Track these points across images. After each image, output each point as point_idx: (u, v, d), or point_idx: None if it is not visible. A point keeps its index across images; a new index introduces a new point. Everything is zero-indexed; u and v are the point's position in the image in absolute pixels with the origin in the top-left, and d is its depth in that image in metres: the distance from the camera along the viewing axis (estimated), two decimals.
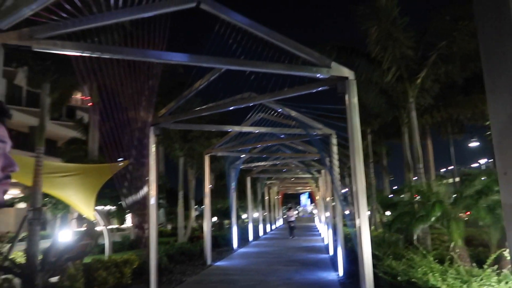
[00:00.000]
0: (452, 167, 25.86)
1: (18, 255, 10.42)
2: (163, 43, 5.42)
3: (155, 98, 6.92)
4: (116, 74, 5.60)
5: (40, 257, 7.45)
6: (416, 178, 10.83)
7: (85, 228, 14.97)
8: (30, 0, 3.34)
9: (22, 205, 30.18)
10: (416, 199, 8.31)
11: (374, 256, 6.65)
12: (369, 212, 20.76)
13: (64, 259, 7.28)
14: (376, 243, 9.65)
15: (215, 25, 5.29)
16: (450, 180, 24.25)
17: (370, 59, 10.62)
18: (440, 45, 9.94)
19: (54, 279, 7.34)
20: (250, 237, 20.92)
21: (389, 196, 20.49)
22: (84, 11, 4.06)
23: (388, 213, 15.77)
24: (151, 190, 7.76)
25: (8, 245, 9.07)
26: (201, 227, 20.74)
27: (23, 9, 3.38)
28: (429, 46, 10.40)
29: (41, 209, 7.58)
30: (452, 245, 6.59)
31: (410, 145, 11.99)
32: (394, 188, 29.44)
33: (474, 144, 26.25)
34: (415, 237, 7.72)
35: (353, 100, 5.53)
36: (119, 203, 18.61)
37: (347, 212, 9.07)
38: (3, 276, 6.91)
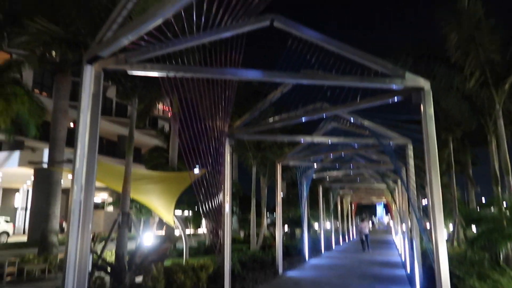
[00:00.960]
0: None
1: (108, 254, 11.49)
2: (239, 60, 5.75)
3: (231, 109, 7.26)
4: (196, 87, 6.03)
5: (127, 258, 8.17)
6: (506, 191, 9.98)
7: (165, 232, 15.98)
8: (128, 32, 3.83)
9: (109, 208, 33.01)
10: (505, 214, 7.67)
11: (454, 275, 6.29)
12: (452, 227, 19.42)
13: (148, 261, 7.91)
14: (458, 261, 9.05)
15: (287, 41, 5.49)
16: None
17: (450, 64, 10.06)
18: None
19: (138, 279, 7.99)
20: (322, 248, 20.66)
21: (476, 209, 18.96)
22: (170, 35, 4.50)
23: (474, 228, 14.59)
24: (225, 197, 8.11)
25: (101, 244, 10.06)
26: (272, 235, 20.98)
27: (122, 39, 3.89)
28: None
29: (130, 213, 8.31)
30: None
31: (498, 155, 11.08)
32: (482, 200, 27.08)
33: None
34: (502, 256, 7.13)
35: (429, 111, 5.34)
36: (195, 209, 19.55)
37: (428, 226, 8.62)
38: (96, 274, 7.69)
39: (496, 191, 10.68)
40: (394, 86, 5.55)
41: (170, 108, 21.57)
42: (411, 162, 9.16)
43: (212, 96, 6.64)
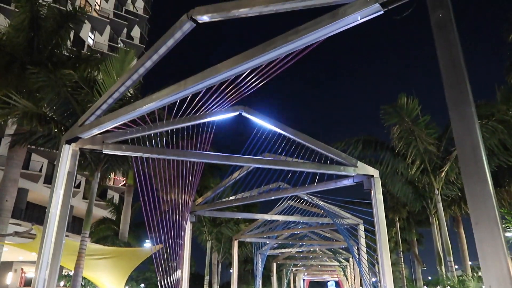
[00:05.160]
0: None
1: None
2: (209, 141, 6.15)
3: (197, 185, 7.45)
4: (164, 164, 6.25)
5: None
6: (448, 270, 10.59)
7: None
8: (111, 119, 4.12)
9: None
10: None
11: None
12: None
13: None
14: None
15: (254, 128, 6.03)
16: None
17: (395, 152, 11.14)
18: None
19: None
20: None
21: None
22: (147, 120, 4.86)
23: None
24: (183, 274, 7.97)
25: None
26: None
27: (105, 125, 4.17)
28: (452, 140, 10.85)
29: None
30: None
31: (439, 235, 11.89)
32: (428, 278, 27.76)
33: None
34: None
35: (378, 196, 5.92)
36: (141, 285, 18.55)
37: None
38: None
39: (440, 271, 11.30)
40: (347, 173, 6.14)
41: (125, 179, 21.20)
42: (363, 241, 9.62)
43: (179, 173, 6.86)
